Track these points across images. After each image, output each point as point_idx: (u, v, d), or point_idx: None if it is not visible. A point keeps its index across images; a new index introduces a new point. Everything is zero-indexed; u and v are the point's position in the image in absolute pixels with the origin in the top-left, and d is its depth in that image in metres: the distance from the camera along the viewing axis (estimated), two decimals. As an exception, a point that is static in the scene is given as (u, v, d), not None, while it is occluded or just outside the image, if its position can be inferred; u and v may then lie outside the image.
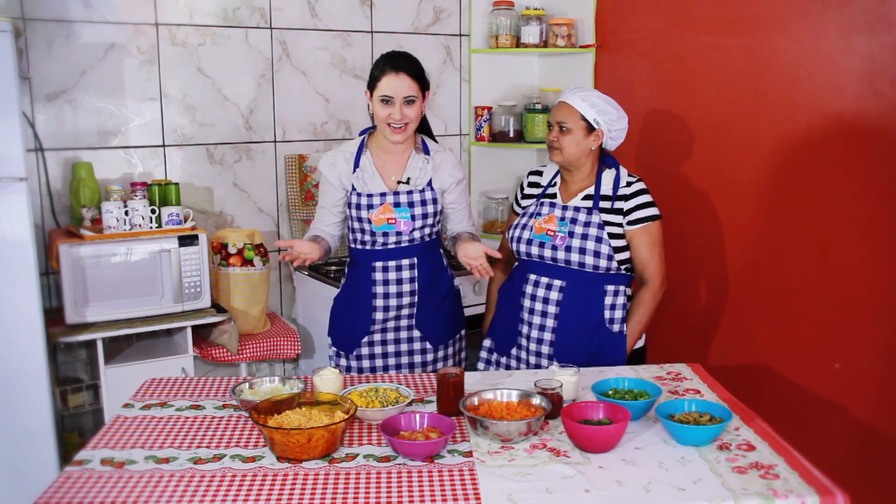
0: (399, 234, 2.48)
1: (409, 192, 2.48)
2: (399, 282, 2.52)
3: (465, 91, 3.98)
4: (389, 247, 2.50)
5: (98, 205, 2.99)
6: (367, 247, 2.52)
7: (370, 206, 2.47)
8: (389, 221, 2.46)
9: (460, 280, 3.50)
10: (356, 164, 2.50)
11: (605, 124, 2.42)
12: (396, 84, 2.38)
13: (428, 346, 2.61)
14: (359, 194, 2.48)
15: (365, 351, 2.58)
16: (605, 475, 1.66)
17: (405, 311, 2.56)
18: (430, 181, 2.52)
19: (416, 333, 2.59)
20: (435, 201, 2.52)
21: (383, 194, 2.47)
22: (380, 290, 2.52)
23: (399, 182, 2.50)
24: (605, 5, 3.60)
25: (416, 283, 2.53)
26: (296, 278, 3.57)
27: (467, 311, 3.51)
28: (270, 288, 3.44)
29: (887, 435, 2.58)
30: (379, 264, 2.51)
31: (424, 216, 2.50)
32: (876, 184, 2.55)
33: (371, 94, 2.45)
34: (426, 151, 2.55)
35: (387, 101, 2.39)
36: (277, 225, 3.60)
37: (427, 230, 2.53)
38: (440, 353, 2.64)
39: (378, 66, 2.44)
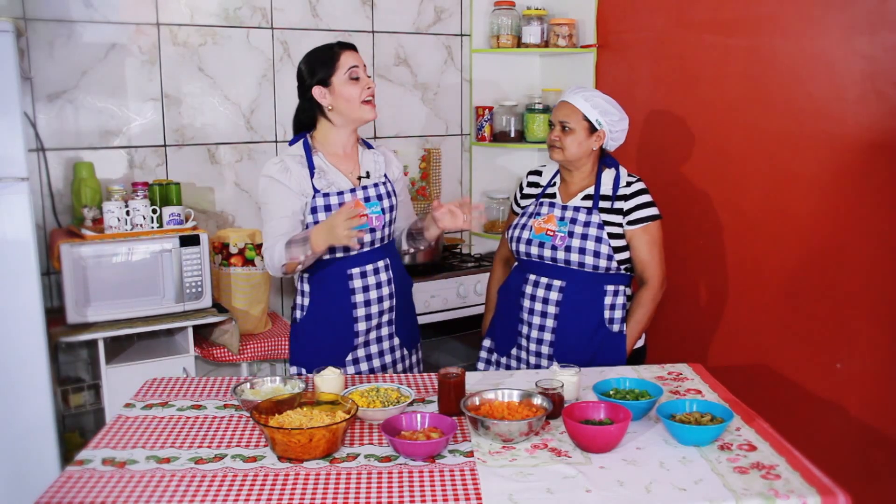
0: (372, 231, 2.33)
1: (375, 185, 2.38)
2: (378, 286, 2.38)
3: (466, 91, 3.98)
4: (364, 250, 2.35)
5: (99, 205, 3.00)
6: (339, 254, 2.33)
7: (342, 205, 2.25)
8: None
9: (461, 279, 3.51)
10: (311, 167, 2.31)
11: (608, 125, 2.42)
12: (356, 57, 2.29)
13: (405, 352, 2.51)
14: (325, 195, 2.28)
15: (350, 370, 2.40)
16: (606, 475, 1.66)
17: (385, 318, 2.42)
18: (386, 174, 2.44)
19: (396, 341, 2.47)
20: (394, 192, 2.43)
21: (352, 190, 2.32)
22: (360, 298, 2.35)
23: (360, 178, 2.38)
24: (606, 5, 3.60)
25: (393, 285, 2.42)
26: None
27: (469, 311, 3.54)
28: (271, 288, 3.44)
29: (888, 435, 2.58)
30: (356, 271, 2.34)
31: (391, 208, 2.40)
32: (877, 184, 2.55)
33: (327, 85, 2.27)
34: (369, 147, 2.46)
35: (357, 76, 2.26)
36: (278, 225, 3.60)
37: (391, 227, 2.42)
38: (413, 359, 2.54)
39: (326, 54, 2.29)
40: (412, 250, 2.52)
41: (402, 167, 2.55)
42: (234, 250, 3.14)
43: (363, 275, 2.36)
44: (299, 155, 2.33)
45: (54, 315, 2.86)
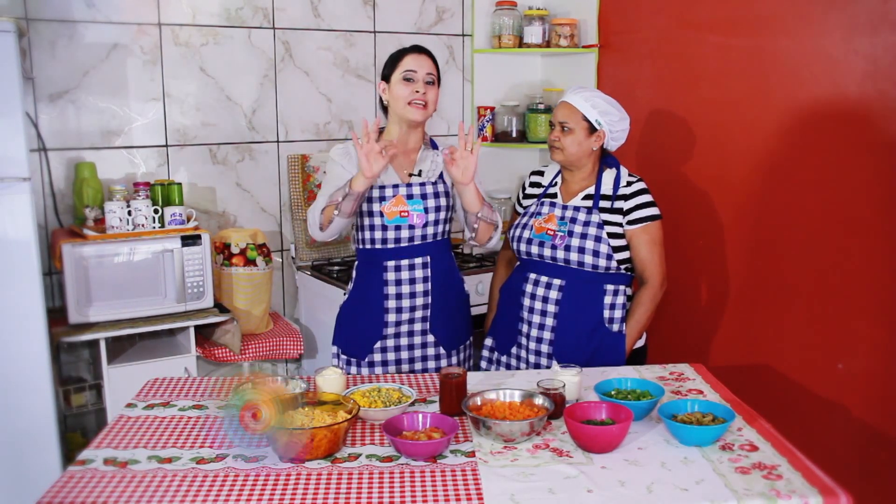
0: (412, 227, 2.42)
1: (422, 185, 2.45)
2: (412, 281, 2.46)
3: (468, 91, 3.98)
4: (402, 244, 2.43)
5: (101, 205, 3.00)
6: (378, 245, 2.44)
7: (382, 199, 2.41)
8: (402, 214, 2.41)
9: (463, 279, 3.50)
10: None
11: (607, 125, 2.42)
12: (419, 62, 2.40)
13: (442, 350, 2.55)
14: (370, 187, 2.40)
15: (377, 357, 2.50)
16: (607, 475, 1.66)
17: (419, 314, 2.49)
18: (441, 174, 2.49)
19: (431, 338, 2.53)
20: (447, 194, 2.48)
21: (395, 186, 2.42)
22: (392, 290, 2.45)
23: (411, 175, 2.47)
24: (608, 5, 3.60)
25: (430, 283, 2.47)
26: (298, 278, 3.57)
27: (471, 311, 3.52)
28: (273, 288, 3.44)
29: (890, 435, 2.58)
30: (391, 263, 2.44)
31: (437, 209, 2.45)
32: (879, 184, 2.55)
33: (388, 81, 2.43)
34: (435, 147, 2.54)
35: (410, 78, 2.38)
36: (280, 225, 3.60)
37: (440, 227, 2.47)
38: (453, 359, 2.59)
39: (398, 52, 2.45)
40: (476, 228, 2.43)
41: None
42: (235, 250, 3.15)
43: (397, 268, 2.45)
44: None
45: (56, 315, 2.86)
